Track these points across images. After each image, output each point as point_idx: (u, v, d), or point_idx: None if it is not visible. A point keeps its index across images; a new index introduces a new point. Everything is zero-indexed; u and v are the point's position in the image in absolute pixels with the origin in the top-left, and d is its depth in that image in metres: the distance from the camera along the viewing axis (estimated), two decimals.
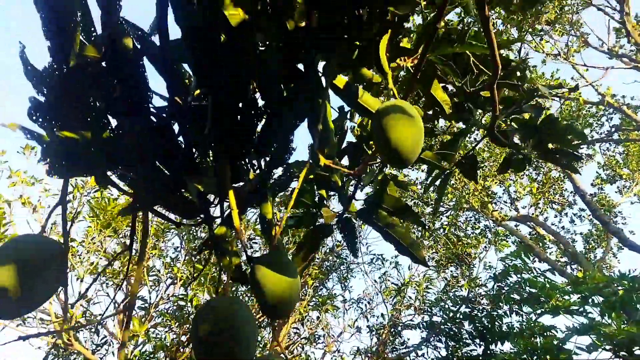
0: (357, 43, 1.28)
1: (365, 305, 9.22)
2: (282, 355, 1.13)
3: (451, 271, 9.80)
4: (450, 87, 2.50)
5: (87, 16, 1.23)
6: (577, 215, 11.94)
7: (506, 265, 8.15)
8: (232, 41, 1.06)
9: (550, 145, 2.59)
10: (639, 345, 5.76)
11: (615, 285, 5.62)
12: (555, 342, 7.10)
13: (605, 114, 12.49)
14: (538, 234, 11.64)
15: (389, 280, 9.50)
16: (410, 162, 1.18)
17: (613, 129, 12.59)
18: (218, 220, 1.30)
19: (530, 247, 9.72)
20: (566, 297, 6.40)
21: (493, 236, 10.65)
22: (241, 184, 1.42)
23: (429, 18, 1.85)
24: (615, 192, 13.14)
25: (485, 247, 10.83)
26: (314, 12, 1.09)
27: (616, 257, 12.55)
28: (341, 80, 1.40)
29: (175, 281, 6.20)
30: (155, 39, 1.18)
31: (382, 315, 8.80)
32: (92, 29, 1.24)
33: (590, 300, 5.81)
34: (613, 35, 12.30)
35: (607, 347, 5.99)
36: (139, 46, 1.19)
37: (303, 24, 1.11)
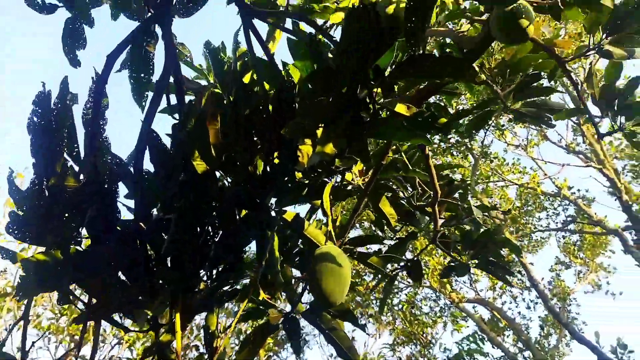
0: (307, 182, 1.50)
1: None
2: None
3: (409, 349, 9.77)
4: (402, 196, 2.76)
5: (73, 139, 1.42)
6: (534, 302, 12.27)
7: (460, 348, 8.24)
8: (196, 182, 1.26)
9: (488, 257, 2.85)
10: None
11: None
12: None
13: (562, 204, 13.24)
14: (494, 318, 11.83)
15: None
16: (335, 305, 1.37)
17: (569, 219, 13.29)
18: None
19: (485, 331, 9.86)
20: None
21: (450, 317, 10.77)
22: (193, 291, 1.56)
23: (377, 148, 2.12)
24: (573, 274, 13.63)
25: (444, 326, 10.91)
26: (273, 160, 1.31)
27: (569, 346, 12.78)
28: (289, 214, 1.62)
29: (122, 342, 5.99)
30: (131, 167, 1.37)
31: None
32: (76, 151, 1.42)
33: None
34: (571, 132, 13.35)
35: None
36: (116, 170, 1.37)
37: (261, 169, 1.32)
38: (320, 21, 2.74)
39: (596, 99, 1.98)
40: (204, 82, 2.68)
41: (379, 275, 2.63)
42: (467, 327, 10.68)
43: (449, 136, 10.04)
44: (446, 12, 2.39)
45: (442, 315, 11.12)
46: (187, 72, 2.78)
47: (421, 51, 1.23)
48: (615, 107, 1.98)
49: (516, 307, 12.22)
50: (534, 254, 13.79)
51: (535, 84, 2.32)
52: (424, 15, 1.21)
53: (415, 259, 2.71)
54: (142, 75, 1.75)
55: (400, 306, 10.95)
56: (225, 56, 2.48)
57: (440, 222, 2.60)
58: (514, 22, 1.57)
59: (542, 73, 2.29)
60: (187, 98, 1.82)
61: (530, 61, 2.24)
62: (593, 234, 12.87)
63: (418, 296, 11.61)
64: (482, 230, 2.76)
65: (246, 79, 2.23)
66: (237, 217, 1.40)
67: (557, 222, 13.48)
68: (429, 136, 1.34)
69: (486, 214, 2.71)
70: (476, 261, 2.79)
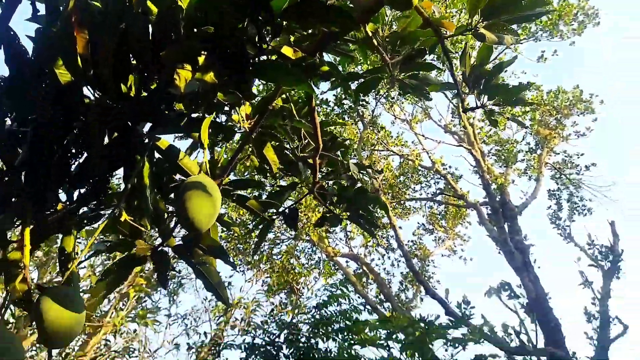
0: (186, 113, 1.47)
1: (191, 322, 9.10)
2: None
3: (281, 298, 10.31)
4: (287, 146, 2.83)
5: None
6: (398, 260, 13.67)
7: (328, 295, 8.90)
8: (57, 93, 1.16)
9: (359, 211, 3.09)
10: None
11: (415, 326, 6.59)
12: None
13: (434, 178, 14.65)
14: (363, 272, 12.96)
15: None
16: (200, 230, 1.40)
17: (438, 191, 14.80)
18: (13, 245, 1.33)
19: (352, 282, 10.76)
20: (374, 332, 7.26)
21: (324, 269, 11.53)
22: (49, 211, 1.46)
23: (266, 94, 2.13)
24: (434, 240, 15.36)
25: (315, 277, 11.67)
26: (149, 84, 1.25)
27: (422, 300, 14.57)
28: (164, 142, 1.57)
29: None
30: None
31: (205, 333, 8.78)
32: None
33: (394, 336, 6.70)
34: (450, 114, 14.63)
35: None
36: None
37: (133, 92, 1.26)
38: None
39: (466, 76, 2.21)
40: None
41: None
42: (338, 279, 11.53)
43: (343, 102, 10.37)
44: None
45: (317, 267, 11.87)
46: None
47: None
48: (481, 87, 2.23)
49: (382, 264, 13.52)
50: (405, 219, 15.17)
51: (420, 59, 2.49)
52: None
53: (292, 207, 2.83)
54: None
55: (279, 256, 11.40)
56: None
57: (319, 175, 2.74)
58: None
59: (427, 49, 2.47)
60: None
61: (418, 35, 2.39)
62: (456, 206, 14.53)
63: (297, 248, 12.18)
64: (357, 186, 2.98)
65: None
66: (106, 138, 1.33)
67: (428, 193, 14.91)
68: (318, 91, 1.40)
69: (363, 172, 2.91)
70: (348, 214, 3.01)
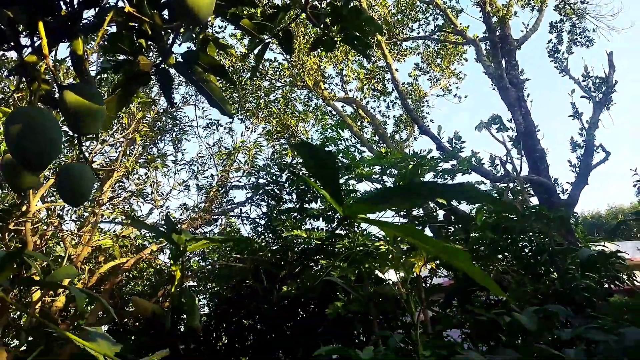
0: None
1: (197, 167, 9.64)
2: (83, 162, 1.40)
3: (280, 143, 10.71)
4: None
5: None
6: (392, 102, 13.84)
7: (326, 136, 9.28)
8: None
9: (354, 32, 3.08)
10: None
11: (408, 161, 7.05)
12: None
13: (433, 14, 13.93)
14: (358, 115, 13.23)
15: (222, 145, 9.98)
16: (203, 21, 1.45)
17: (436, 29, 14.22)
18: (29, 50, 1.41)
19: (349, 124, 11.10)
20: (370, 168, 7.79)
21: (320, 113, 11.77)
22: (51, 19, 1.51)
23: None
24: (427, 80, 15.34)
25: (313, 123, 11.96)
26: None
27: (416, 139, 15.20)
28: None
29: None
30: None
31: (212, 175, 9.40)
32: None
33: (388, 171, 7.21)
34: None
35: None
36: None
37: None
38: None
39: None
40: None
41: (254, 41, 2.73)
42: (334, 122, 11.86)
43: None
44: None
45: (314, 112, 12.09)
46: None
47: None
48: None
49: (378, 106, 13.69)
50: (401, 61, 14.89)
51: None
52: None
53: (286, 28, 2.82)
54: None
55: (276, 102, 11.51)
56: None
57: None
58: None
59: None
60: None
61: None
62: (453, 44, 14.11)
63: (294, 94, 12.23)
64: (351, 5, 2.92)
65: None
66: None
67: (426, 31, 14.34)
68: None
69: None
70: (342, 35, 3.02)
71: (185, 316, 0.75)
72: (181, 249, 0.76)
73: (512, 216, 3.73)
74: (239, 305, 8.14)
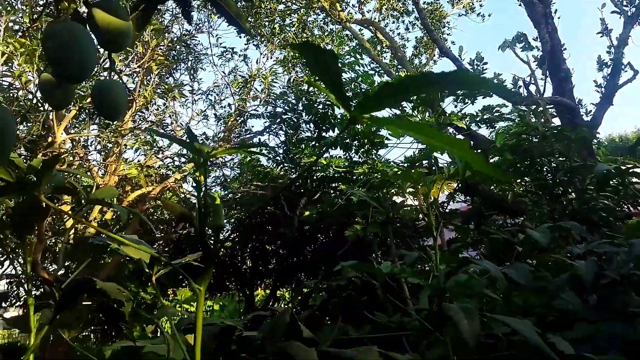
0: None
1: (214, 96, 9.60)
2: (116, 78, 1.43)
3: (296, 71, 10.48)
4: None
5: None
6: (412, 23, 13.19)
7: (343, 60, 9.03)
8: None
9: None
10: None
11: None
12: (372, 129, 8.69)
13: None
14: (377, 39, 12.71)
15: (238, 73, 9.83)
16: None
17: None
18: None
19: (367, 48, 10.72)
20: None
21: (337, 37, 11.33)
22: None
23: None
24: (448, 2, 14.48)
25: (331, 48, 11.51)
26: None
27: (436, 63, 14.67)
28: None
29: None
30: None
31: (230, 105, 9.37)
32: None
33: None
34: None
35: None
36: None
37: None
38: None
39: None
40: None
41: None
42: (351, 46, 11.46)
43: None
44: None
45: (331, 35, 11.65)
46: None
47: None
48: None
49: (397, 28, 13.08)
50: None
51: None
52: None
53: None
54: None
55: (292, 27, 11.11)
56: None
57: None
58: None
59: None
60: None
61: None
62: None
63: (310, 18, 11.73)
64: None
65: None
66: None
67: None
68: None
69: None
70: None
71: (211, 217, 0.82)
72: (204, 156, 0.82)
73: (532, 138, 3.68)
74: (261, 231, 8.50)
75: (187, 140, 0.85)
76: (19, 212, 0.72)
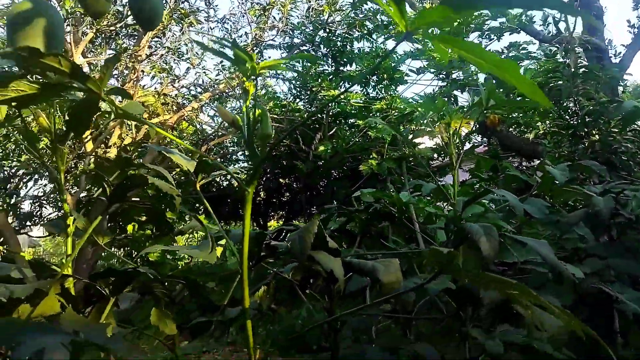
0: None
1: (230, 25, 9.31)
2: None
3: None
4: None
5: None
6: None
7: None
8: None
9: None
10: (456, 69, 7.23)
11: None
12: (392, 64, 8.42)
13: None
14: None
15: (255, 0, 9.46)
16: None
17: None
18: None
19: None
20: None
21: None
22: None
23: None
24: None
25: None
26: None
27: None
28: None
29: None
30: None
31: (246, 34, 9.10)
32: None
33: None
34: None
35: (432, 70, 7.40)
36: None
37: None
38: None
39: None
40: None
41: None
42: None
43: None
44: None
45: None
46: None
47: None
48: None
49: None
50: None
51: None
52: None
53: None
54: None
55: None
56: None
57: None
58: None
59: None
60: None
61: None
62: None
63: None
64: None
65: None
66: None
67: None
68: None
69: None
70: None
71: (258, 127, 0.85)
72: (254, 68, 0.83)
73: (559, 79, 3.57)
74: (276, 164, 8.60)
75: (234, 50, 0.85)
76: (76, 111, 0.75)
